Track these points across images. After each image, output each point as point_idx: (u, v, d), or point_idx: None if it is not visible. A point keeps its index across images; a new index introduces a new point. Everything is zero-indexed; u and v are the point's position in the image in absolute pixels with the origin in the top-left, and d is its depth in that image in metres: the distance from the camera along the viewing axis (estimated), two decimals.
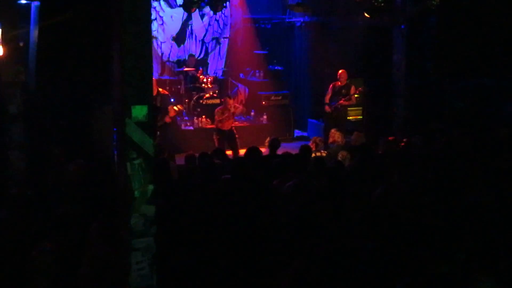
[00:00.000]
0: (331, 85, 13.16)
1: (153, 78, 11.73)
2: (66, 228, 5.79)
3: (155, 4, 14.62)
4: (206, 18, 15.87)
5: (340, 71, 13.11)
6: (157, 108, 11.03)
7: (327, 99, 13.13)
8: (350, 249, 5.21)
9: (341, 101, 12.93)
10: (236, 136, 12.33)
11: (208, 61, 16.12)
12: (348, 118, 13.70)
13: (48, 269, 5.09)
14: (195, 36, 15.82)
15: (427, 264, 4.84)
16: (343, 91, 13.04)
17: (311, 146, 10.03)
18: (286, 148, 11.77)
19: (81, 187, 7.34)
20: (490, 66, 12.86)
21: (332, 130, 10.97)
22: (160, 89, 11.85)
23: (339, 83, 13.11)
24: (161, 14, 15.12)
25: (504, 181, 7.15)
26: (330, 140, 10.83)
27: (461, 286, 4.59)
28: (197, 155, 9.03)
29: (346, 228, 5.84)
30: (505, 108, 12.76)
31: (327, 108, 13.04)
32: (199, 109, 13.92)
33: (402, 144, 9.99)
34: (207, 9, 14.85)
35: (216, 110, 12.46)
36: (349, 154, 9.11)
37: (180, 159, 10.38)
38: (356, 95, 13.50)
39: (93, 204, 6.55)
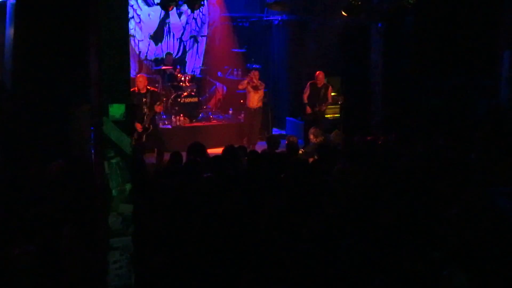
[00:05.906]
0: (308, 84, 13.17)
1: (144, 76, 11.65)
2: (45, 228, 5.74)
3: (132, 2, 14.55)
4: (184, 17, 15.84)
5: (317, 72, 13.14)
6: (135, 106, 10.93)
7: (305, 98, 13.15)
8: (327, 246, 5.24)
9: (322, 107, 13.06)
10: None
11: (186, 60, 16.09)
12: (326, 116, 13.76)
13: (30, 269, 5.05)
14: (173, 35, 15.78)
15: (402, 261, 4.88)
16: (322, 92, 13.09)
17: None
18: (264, 146, 11.78)
19: (62, 186, 7.28)
20: (465, 65, 12.99)
21: (310, 129, 11.02)
22: (148, 87, 11.54)
23: (317, 84, 13.15)
24: (138, 12, 15.05)
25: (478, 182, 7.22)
26: (311, 138, 10.88)
27: (435, 283, 4.64)
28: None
29: (324, 225, 5.86)
30: (479, 106, 12.90)
31: (308, 109, 13.06)
32: (177, 108, 13.87)
33: (380, 142, 10.06)
34: (184, 7, 14.84)
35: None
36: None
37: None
38: (332, 93, 13.56)
39: (73, 204, 6.51)
